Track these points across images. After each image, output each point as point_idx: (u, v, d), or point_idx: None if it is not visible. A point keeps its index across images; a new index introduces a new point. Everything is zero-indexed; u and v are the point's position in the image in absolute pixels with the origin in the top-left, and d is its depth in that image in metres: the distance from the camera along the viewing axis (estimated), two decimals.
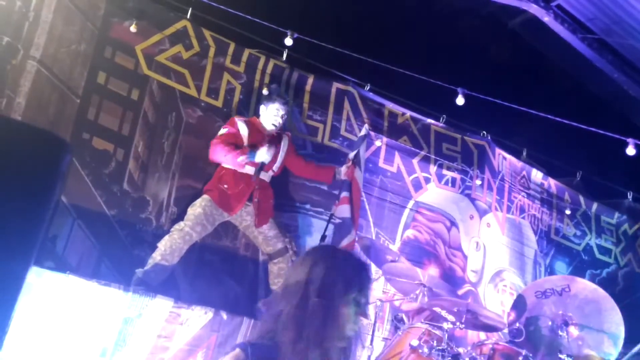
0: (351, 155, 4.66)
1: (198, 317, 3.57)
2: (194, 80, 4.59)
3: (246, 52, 4.81)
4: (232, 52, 4.76)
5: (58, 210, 3.76)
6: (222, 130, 4.27)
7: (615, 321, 3.48)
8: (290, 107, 4.88)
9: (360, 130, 5.04)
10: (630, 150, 4.78)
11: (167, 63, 4.50)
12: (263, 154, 4.14)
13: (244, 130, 4.30)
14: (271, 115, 4.36)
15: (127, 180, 4.25)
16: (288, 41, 4.67)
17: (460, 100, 4.86)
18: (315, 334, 1.77)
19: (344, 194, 4.51)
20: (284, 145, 4.48)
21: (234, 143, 4.19)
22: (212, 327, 3.61)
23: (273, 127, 4.37)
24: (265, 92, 4.73)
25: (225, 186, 4.19)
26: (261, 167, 4.17)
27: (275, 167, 4.43)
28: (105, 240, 4.04)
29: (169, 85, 4.49)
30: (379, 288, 4.66)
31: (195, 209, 4.12)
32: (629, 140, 4.71)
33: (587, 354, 3.52)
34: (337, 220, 4.42)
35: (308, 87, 5.03)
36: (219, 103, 4.68)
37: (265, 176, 4.37)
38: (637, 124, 6.33)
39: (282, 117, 4.38)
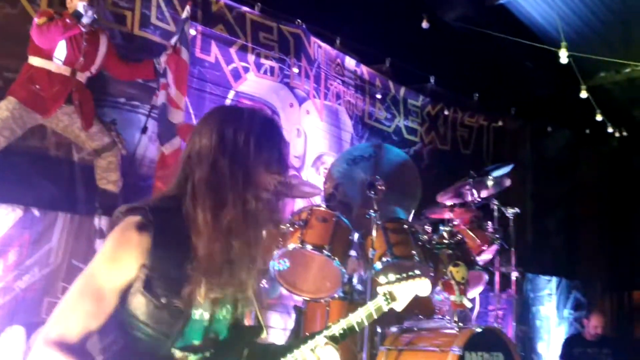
0: (173, 40, 4.54)
1: (5, 215, 3.33)
2: None
3: None
4: None
5: None
6: (40, 20, 3.83)
7: (414, 178, 3.92)
8: None
9: (177, 15, 4.85)
10: (425, 24, 5.28)
11: None
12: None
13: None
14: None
15: None
16: None
17: None
18: (238, 196, 1.63)
19: (162, 81, 4.44)
20: (103, 44, 4.24)
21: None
22: (24, 224, 3.42)
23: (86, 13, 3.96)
24: None
25: (38, 87, 3.91)
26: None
27: (94, 68, 4.23)
28: None
29: None
30: None
31: (2, 112, 3.80)
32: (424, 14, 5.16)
33: (391, 209, 3.95)
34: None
35: None
36: None
37: (82, 77, 4.16)
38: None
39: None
